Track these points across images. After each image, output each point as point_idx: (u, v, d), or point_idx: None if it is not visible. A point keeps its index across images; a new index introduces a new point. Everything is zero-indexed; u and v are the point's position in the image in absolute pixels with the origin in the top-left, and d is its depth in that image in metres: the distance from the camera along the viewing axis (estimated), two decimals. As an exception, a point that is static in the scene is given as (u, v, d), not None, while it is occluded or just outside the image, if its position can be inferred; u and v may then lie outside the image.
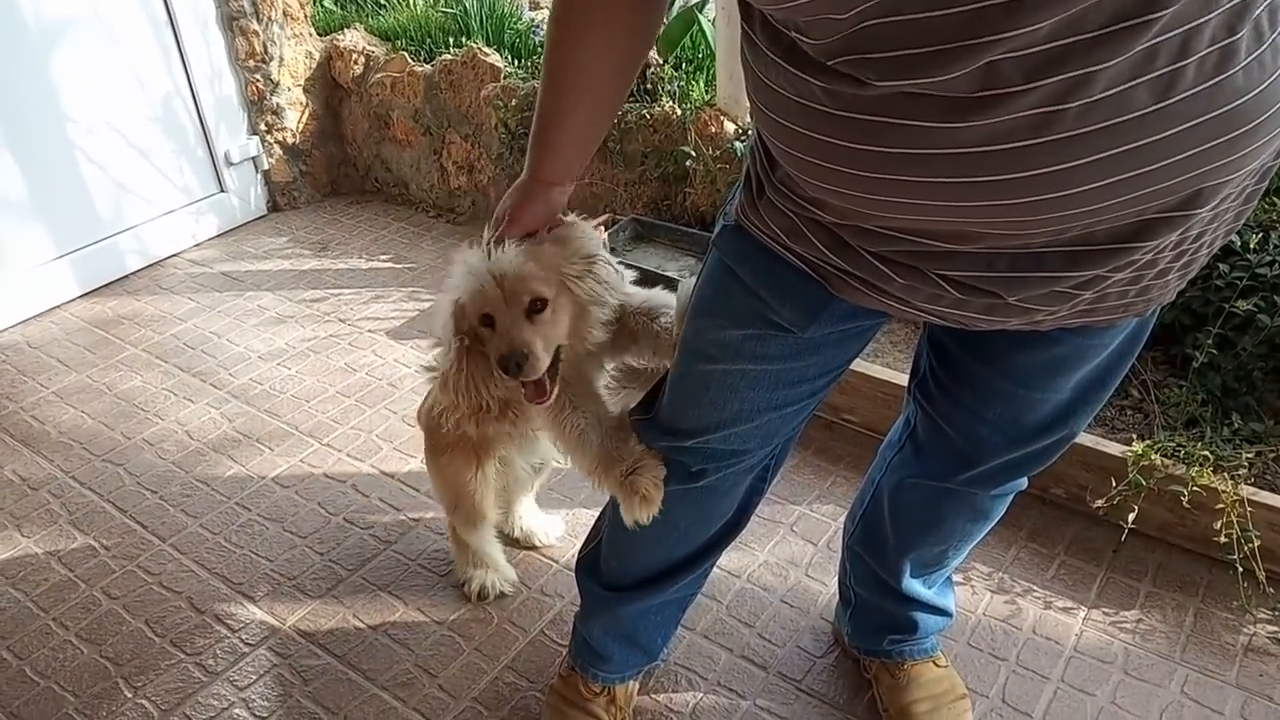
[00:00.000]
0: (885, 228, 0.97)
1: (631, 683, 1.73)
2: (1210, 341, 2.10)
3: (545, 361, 1.31)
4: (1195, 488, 1.91)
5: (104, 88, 3.10)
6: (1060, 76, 0.75)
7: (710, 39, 3.04)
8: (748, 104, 1.06)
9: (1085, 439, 2.04)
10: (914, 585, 1.63)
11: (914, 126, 0.83)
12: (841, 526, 1.79)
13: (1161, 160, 0.80)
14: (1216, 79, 0.76)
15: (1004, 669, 1.80)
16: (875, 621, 1.71)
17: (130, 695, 1.80)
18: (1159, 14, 0.72)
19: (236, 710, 1.77)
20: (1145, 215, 0.86)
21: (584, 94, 1.18)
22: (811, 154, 0.94)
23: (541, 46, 3.38)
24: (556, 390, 1.38)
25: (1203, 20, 0.74)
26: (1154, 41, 0.74)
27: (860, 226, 1.00)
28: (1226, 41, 0.75)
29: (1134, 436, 2.06)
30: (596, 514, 1.62)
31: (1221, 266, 2.10)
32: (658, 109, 2.94)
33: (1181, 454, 1.98)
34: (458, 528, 1.90)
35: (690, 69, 3.09)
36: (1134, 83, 0.76)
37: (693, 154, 2.85)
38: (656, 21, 1.16)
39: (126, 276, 3.31)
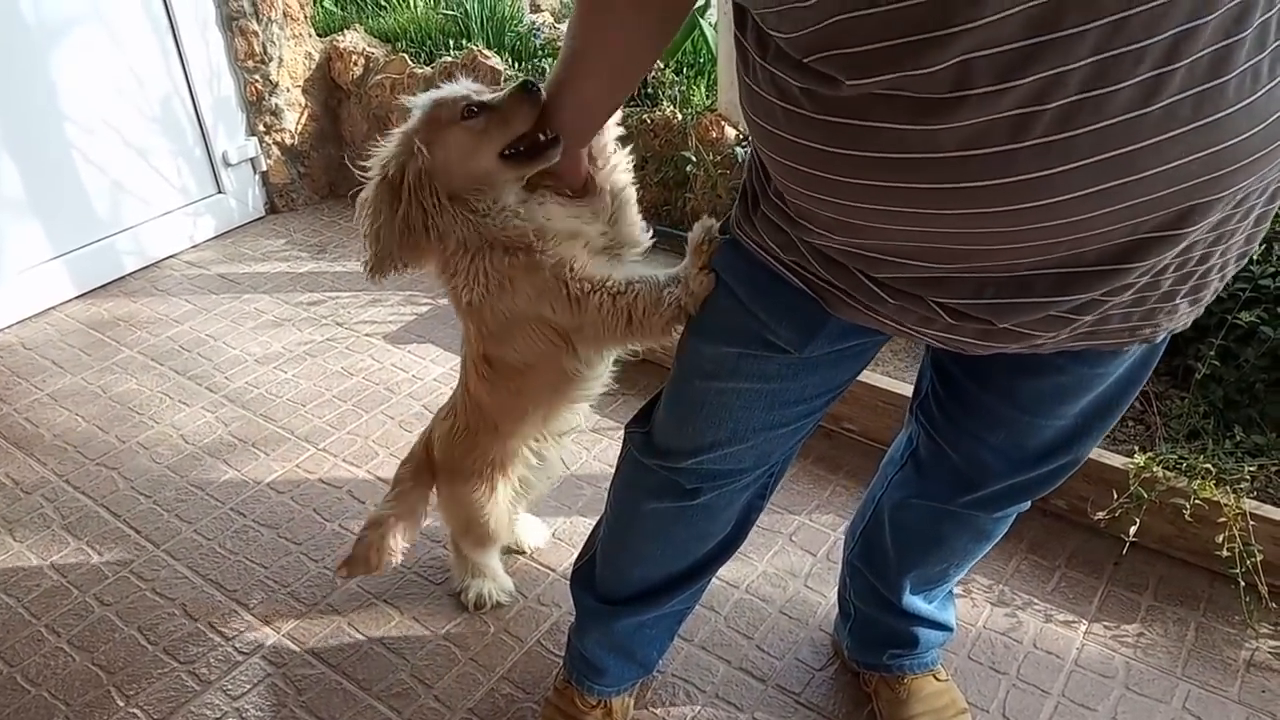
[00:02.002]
0: (871, 249, 0.96)
1: (628, 695, 1.72)
2: (1213, 353, 2.09)
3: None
4: (1197, 501, 1.89)
5: (103, 87, 3.08)
6: (1035, 76, 0.73)
7: (711, 44, 3.03)
8: (745, 111, 1.05)
9: (1087, 451, 2.03)
10: (915, 601, 1.61)
11: (890, 129, 0.81)
12: (841, 537, 1.77)
13: (1145, 170, 0.77)
14: (1206, 85, 0.73)
15: (1005, 683, 1.78)
16: (875, 635, 1.69)
17: (122, 704, 1.78)
18: (1138, 10, 0.70)
19: (229, 720, 1.75)
20: (1136, 234, 0.84)
21: (600, 63, 1.16)
22: (795, 160, 0.93)
23: (541, 50, 3.39)
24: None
25: (1200, 23, 0.71)
26: (1143, 42, 0.71)
27: (848, 248, 0.98)
28: (1223, 44, 0.72)
29: (1136, 448, 2.05)
30: (593, 522, 1.61)
31: (1225, 278, 2.09)
32: (658, 113, 2.93)
33: (1183, 466, 1.97)
34: (465, 548, 1.87)
35: (691, 74, 3.07)
36: (1116, 86, 0.73)
37: (693, 159, 2.83)
38: (682, 13, 1.13)
39: (123, 278, 3.29)
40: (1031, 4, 0.70)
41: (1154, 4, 0.69)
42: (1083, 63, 0.72)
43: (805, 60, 0.83)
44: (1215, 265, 0.93)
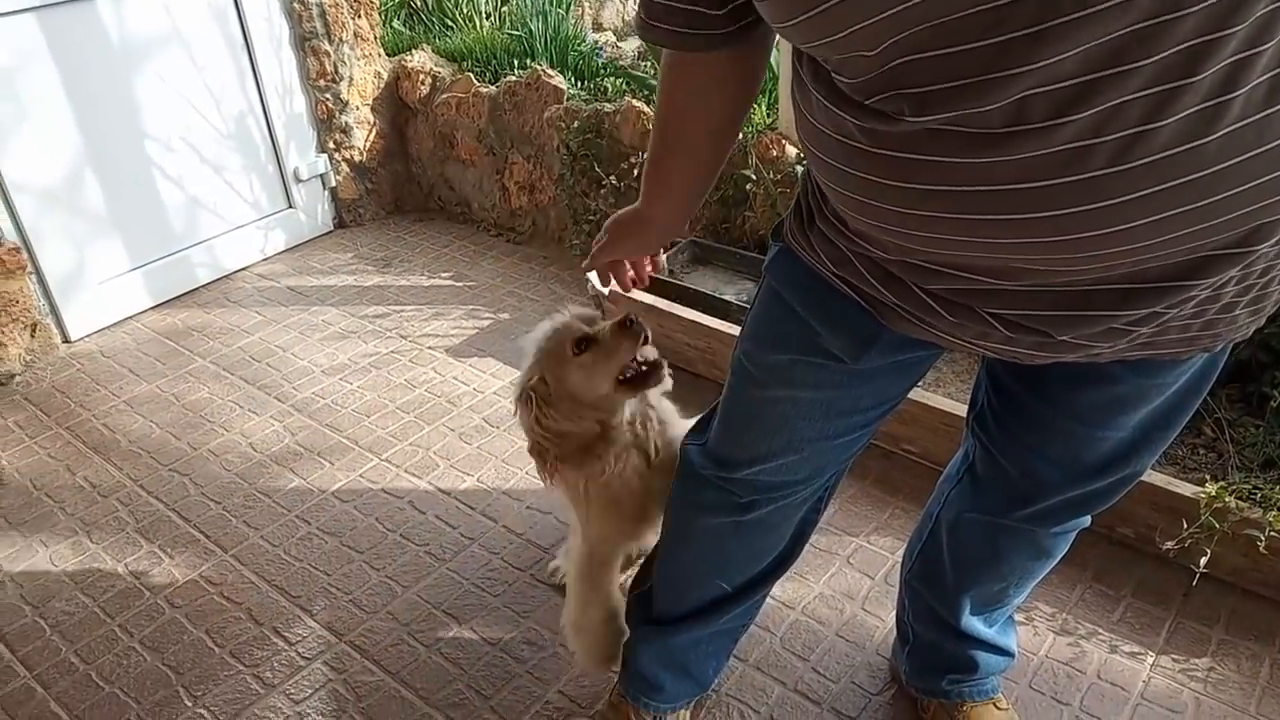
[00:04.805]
0: (930, 263, 0.96)
1: (683, 712, 1.72)
2: (1289, 380, 2.03)
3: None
4: (1272, 532, 1.84)
5: (182, 106, 3.19)
6: (1092, 110, 0.73)
7: (773, 63, 3.03)
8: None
9: (1155, 478, 1.98)
10: (974, 623, 1.59)
11: (946, 163, 0.82)
12: (899, 560, 1.76)
13: (1207, 198, 0.76)
14: (1267, 111, 0.73)
15: (1068, 714, 1.74)
16: (934, 660, 1.67)
17: (190, 704, 1.83)
18: (1193, 43, 0.69)
19: (291, 724, 1.79)
20: (1199, 253, 0.83)
21: (678, 142, 1.24)
22: (853, 190, 0.94)
23: (603, 69, 3.44)
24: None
25: (1256, 51, 0.70)
26: (1200, 76, 0.71)
27: (906, 261, 0.98)
28: (1279, 70, 0.72)
29: (1207, 477, 2.00)
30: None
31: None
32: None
33: (1258, 496, 1.91)
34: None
35: (753, 92, 3.08)
36: (1174, 118, 0.72)
37: (753, 177, 2.84)
38: (754, 86, 1.20)
39: (197, 289, 3.40)
40: (1092, 43, 0.71)
41: (1210, 37, 0.69)
42: (1140, 94, 0.72)
43: (866, 102, 0.84)
44: (1277, 276, 0.92)
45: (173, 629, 2.00)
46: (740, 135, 2.86)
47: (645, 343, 1.46)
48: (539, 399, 1.50)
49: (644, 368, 1.49)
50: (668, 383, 1.55)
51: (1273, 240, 0.84)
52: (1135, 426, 1.19)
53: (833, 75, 0.89)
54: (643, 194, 1.32)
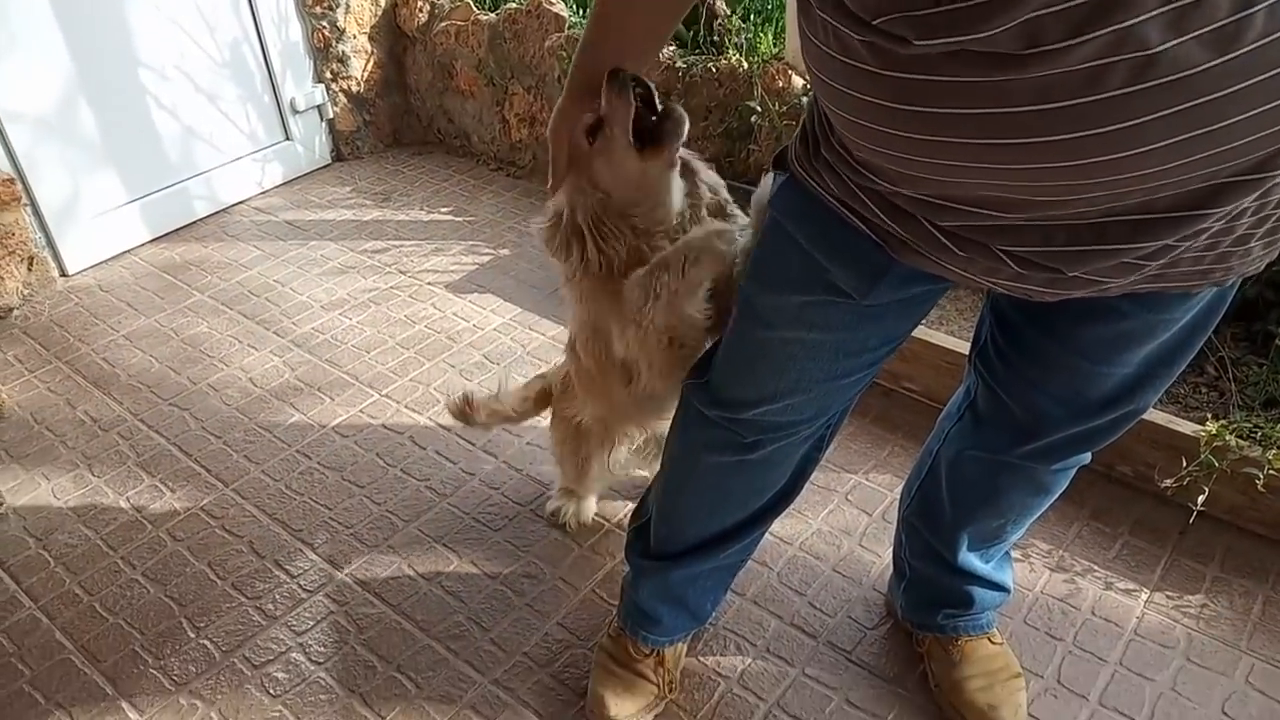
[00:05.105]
0: (936, 196, 0.94)
1: (680, 645, 1.74)
2: (1295, 319, 2.01)
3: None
4: (1271, 471, 1.84)
5: (175, 32, 3.12)
6: (1108, 29, 0.70)
7: (780, -10, 2.95)
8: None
9: (1156, 416, 1.98)
10: (971, 559, 1.60)
11: (961, 84, 0.79)
12: (898, 497, 1.76)
13: (1228, 119, 0.74)
14: None
15: (1060, 649, 1.76)
16: (930, 595, 1.68)
17: (193, 635, 1.86)
18: None
19: (294, 655, 1.81)
20: (1214, 180, 0.81)
21: (612, 27, 1.26)
22: (860, 116, 0.91)
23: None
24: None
25: None
26: None
27: (913, 195, 0.96)
28: None
29: (1208, 415, 1.99)
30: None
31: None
32: (724, 62, 2.88)
33: (1258, 435, 1.90)
34: (560, 471, 2.02)
35: (759, 20, 3.01)
36: (1195, 33, 0.69)
37: (758, 109, 2.78)
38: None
39: (194, 222, 3.36)
40: None
41: None
42: (1156, 12, 0.69)
43: (873, 21, 0.81)
44: None
45: (175, 561, 2.02)
46: (745, 65, 2.82)
47: (638, 87, 1.30)
48: (591, 221, 1.38)
49: (654, 120, 1.34)
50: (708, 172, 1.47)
51: None
52: (1139, 362, 1.18)
53: None
54: (584, 42, 1.30)
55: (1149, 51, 0.71)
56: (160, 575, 1.99)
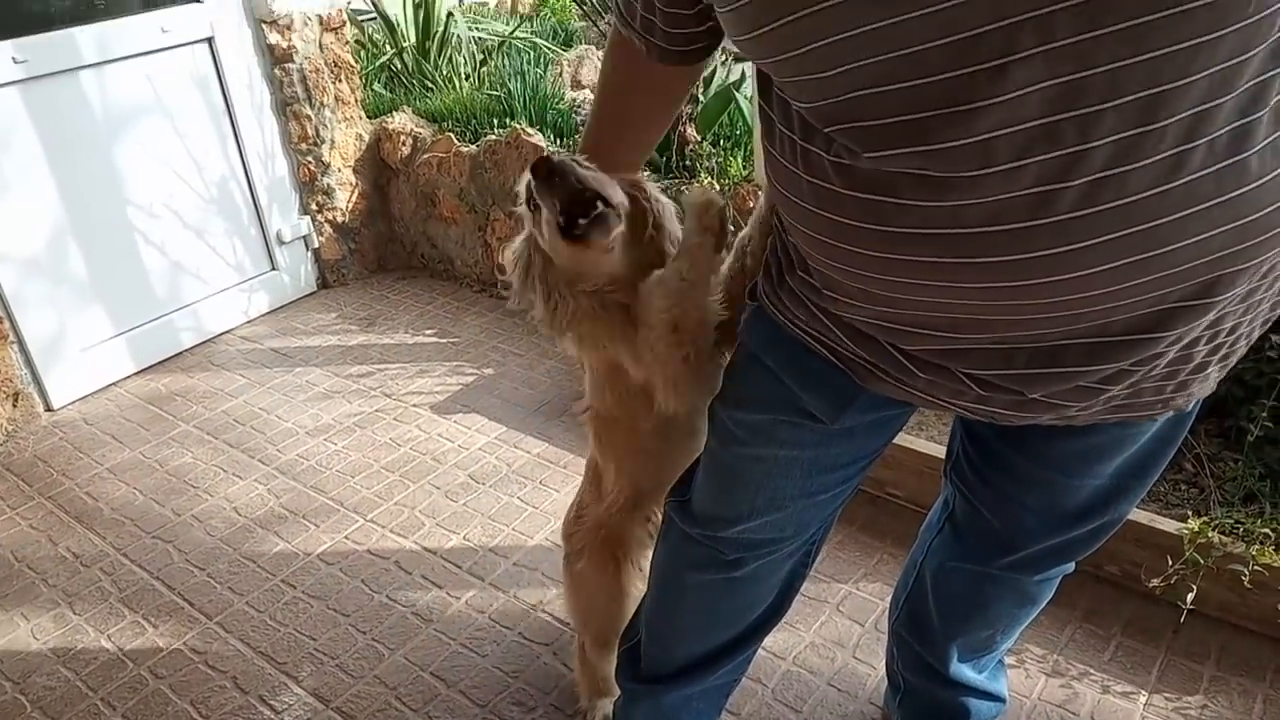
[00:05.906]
0: (898, 322, 0.96)
1: (676, 769, 1.69)
2: (1265, 414, 2.05)
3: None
4: (1256, 566, 1.84)
5: (164, 173, 3.22)
6: (1056, 153, 0.74)
7: (747, 116, 3.09)
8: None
9: (1139, 515, 1.99)
10: (963, 670, 1.58)
11: (913, 205, 0.83)
12: (889, 606, 1.75)
13: (1169, 245, 0.78)
14: (1228, 161, 0.74)
15: (1062, 758, 1.73)
16: (926, 708, 1.66)
17: (174, 778, 1.80)
18: (1155, 91, 0.71)
19: (278, 795, 1.76)
20: (1164, 304, 0.84)
21: (612, 119, 1.34)
22: (819, 231, 0.95)
23: (582, 126, 3.49)
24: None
25: (1219, 101, 0.72)
26: (1162, 122, 0.73)
27: (876, 319, 0.99)
28: (1241, 123, 0.74)
29: (1189, 513, 2.01)
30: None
31: (1274, 337, 2.06)
32: (696, 185, 2.99)
33: (1240, 531, 1.92)
34: (587, 648, 1.78)
35: (728, 145, 3.14)
36: (1138, 164, 0.74)
37: (731, 228, 2.87)
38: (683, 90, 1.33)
39: (180, 353, 3.39)
40: (1048, 83, 0.72)
41: (1171, 85, 0.71)
42: (1103, 141, 0.74)
43: (828, 130, 0.86)
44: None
45: (156, 700, 1.97)
46: (717, 187, 2.92)
47: (558, 176, 1.19)
48: (541, 278, 1.32)
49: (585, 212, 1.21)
50: (673, 226, 1.38)
51: (1235, 294, 0.85)
52: (1112, 474, 1.20)
53: (792, 103, 0.90)
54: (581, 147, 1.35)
55: (1094, 176, 0.75)
56: (140, 716, 1.94)
